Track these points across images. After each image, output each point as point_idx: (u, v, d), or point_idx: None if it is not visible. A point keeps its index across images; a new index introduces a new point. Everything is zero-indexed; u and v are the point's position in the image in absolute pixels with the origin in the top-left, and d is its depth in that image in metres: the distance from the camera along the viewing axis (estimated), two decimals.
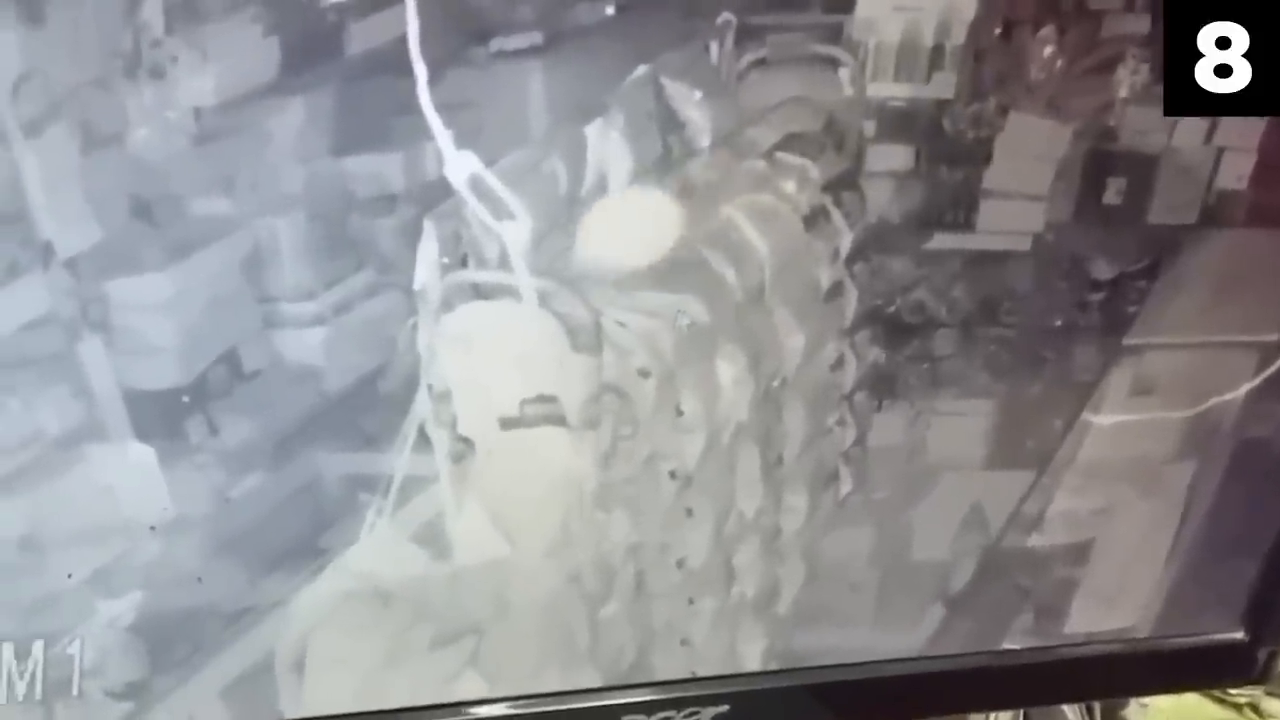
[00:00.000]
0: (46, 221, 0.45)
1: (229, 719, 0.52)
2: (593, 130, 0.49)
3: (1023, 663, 0.61)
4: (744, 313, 0.53)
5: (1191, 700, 0.76)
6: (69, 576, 0.49)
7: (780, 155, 0.51)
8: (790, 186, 0.52)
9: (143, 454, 0.48)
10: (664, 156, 0.50)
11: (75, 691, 0.50)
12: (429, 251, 0.49)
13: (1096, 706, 0.74)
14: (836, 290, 0.53)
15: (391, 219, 0.48)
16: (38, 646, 0.49)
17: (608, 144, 0.49)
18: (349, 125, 0.47)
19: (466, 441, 0.52)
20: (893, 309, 0.54)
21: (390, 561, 0.52)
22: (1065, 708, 0.72)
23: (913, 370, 0.55)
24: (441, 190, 0.49)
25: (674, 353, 0.53)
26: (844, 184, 0.52)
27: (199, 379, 0.48)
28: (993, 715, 0.75)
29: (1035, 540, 0.59)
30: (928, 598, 0.59)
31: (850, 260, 0.53)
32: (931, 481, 0.57)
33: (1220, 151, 0.52)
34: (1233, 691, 0.75)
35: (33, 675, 0.50)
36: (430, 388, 0.50)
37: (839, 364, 0.54)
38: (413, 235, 0.49)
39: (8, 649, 0.49)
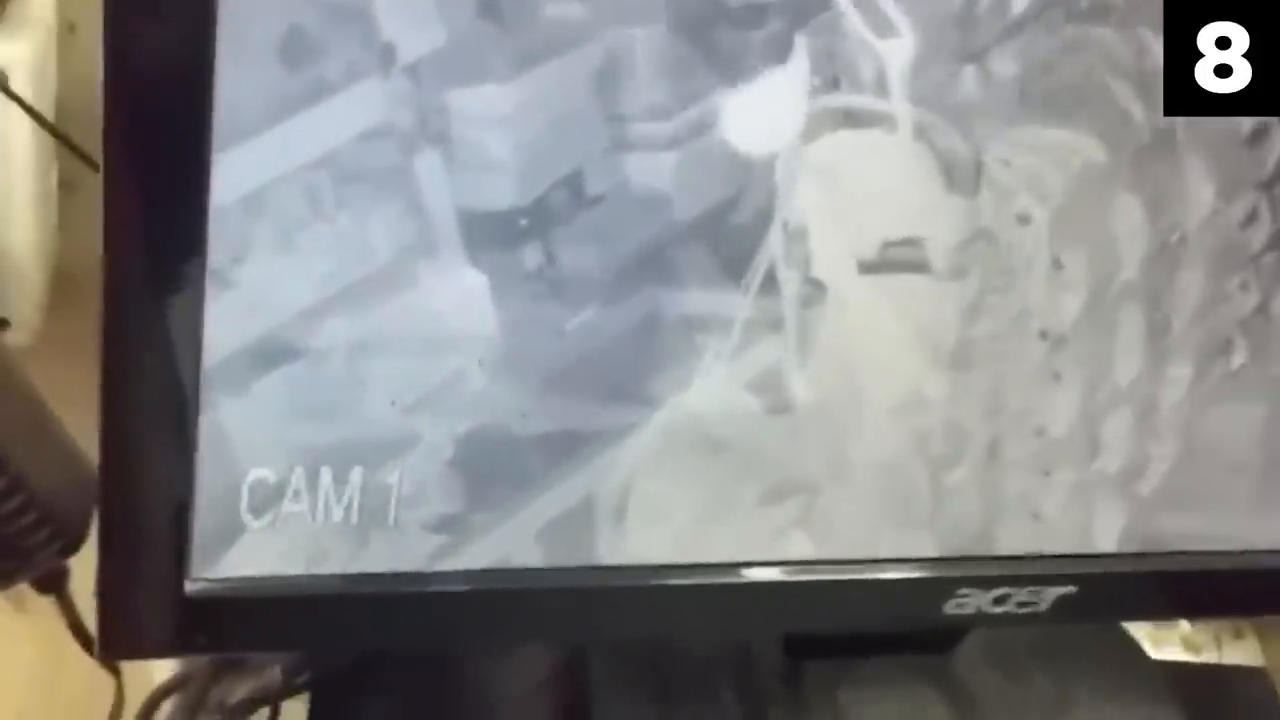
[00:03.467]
0: (389, 20, 0.43)
1: (543, 560, 0.52)
2: None
3: None
4: (1148, 155, 0.48)
5: None
6: (392, 403, 0.49)
7: None
8: None
9: (475, 280, 0.47)
10: None
11: (391, 521, 0.51)
12: (798, 71, 0.46)
13: None
14: (1260, 135, 0.48)
15: (760, 32, 0.45)
16: (356, 472, 0.50)
17: None
18: None
19: (818, 285, 0.49)
20: None
21: (724, 409, 0.51)
22: None
23: None
24: (819, 1, 0.45)
25: (1061, 197, 0.49)
26: None
27: (538, 201, 0.46)
28: None
29: None
30: None
31: None
32: None
33: None
34: None
35: (349, 501, 0.50)
36: (785, 224, 0.48)
37: (1251, 220, 0.50)
38: (782, 52, 0.46)
39: (326, 473, 0.50)
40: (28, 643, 0.72)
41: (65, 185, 0.69)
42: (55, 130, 0.62)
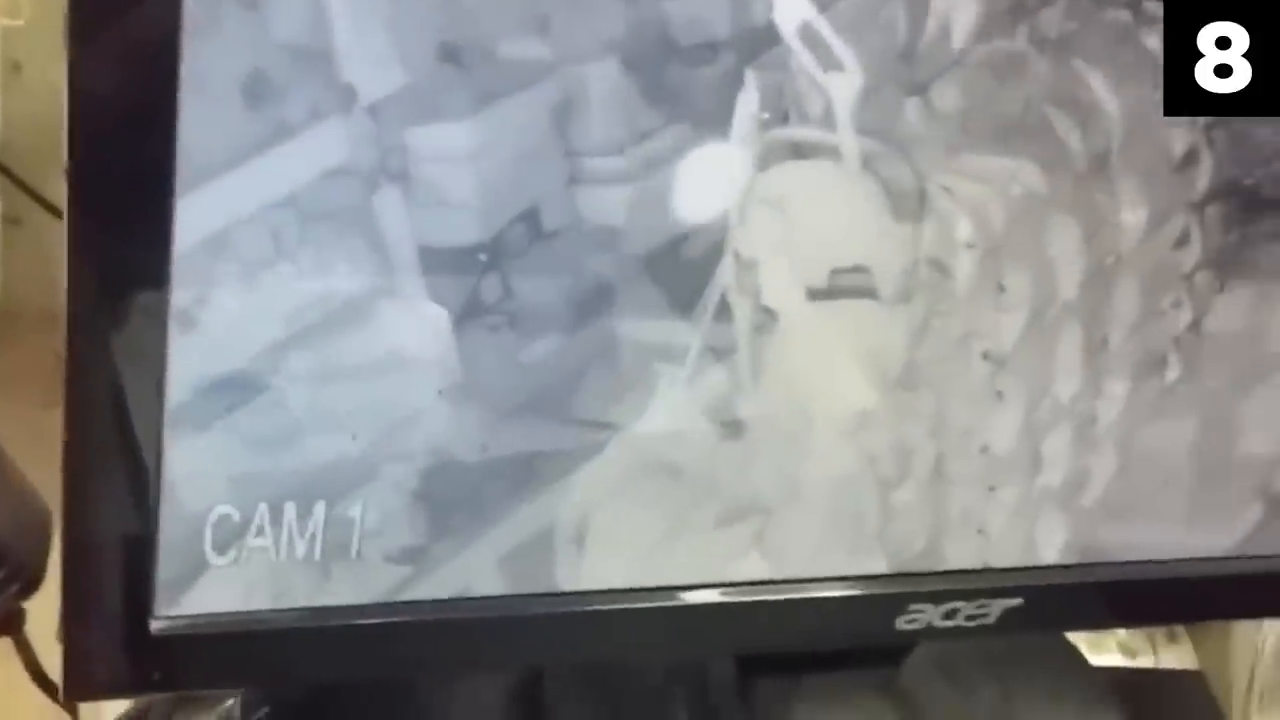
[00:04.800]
0: (351, 63, 0.44)
1: (504, 588, 0.53)
2: None
3: None
4: (1084, 182, 0.50)
5: None
6: (353, 438, 0.49)
7: (1147, 4, 0.48)
8: (1154, 40, 0.49)
9: (435, 314, 0.48)
10: (1017, 4, 0.47)
11: (354, 553, 0.51)
12: (748, 105, 0.47)
13: None
14: (1190, 159, 0.51)
15: (711, 69, 0.47)
16: (319, 507, 0.50)
17: None
18: None
19: (769, 312, 0.50)
20: (1251, 181, 0.51)
21: (680, 435, 0.52)
22: None
23: (1264, 250, 0.52)
24: (767, 38, 0.46)
25: (1003, 223, 0.50)
26: None
27: (497, 236, 0.47)
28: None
29: None
30: (1247, 495, 0.58)
31: (1210, 125, 0.50)
32: (1269, 371, 0.55)
33: None
34: None
35: (313, 535, 0.51)
36: (737, 254, 0.49)
37: (1183, 240, 0.52)
38: (732, 87, 0.47)
39: (289, 508, 0.50)
40: None
41: (9, 221, 0.69)
42: (2, 167, 0.62)
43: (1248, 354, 0.54)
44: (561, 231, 0.48)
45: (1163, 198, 0.51)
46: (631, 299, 0.49)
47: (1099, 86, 0.49)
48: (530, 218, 0.47)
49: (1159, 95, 0.49)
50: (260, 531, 0.50)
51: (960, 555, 0.56)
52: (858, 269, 0.50)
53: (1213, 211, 0.51)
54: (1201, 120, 0.50)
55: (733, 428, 0.52)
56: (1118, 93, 0.49)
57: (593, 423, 0.51)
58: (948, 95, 0.48)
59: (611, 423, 0.51)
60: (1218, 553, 0.58)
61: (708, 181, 0.48)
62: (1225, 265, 0.53)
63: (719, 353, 0.51)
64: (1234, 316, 0.54)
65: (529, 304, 0.49)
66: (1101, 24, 0.48)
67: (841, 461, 0.53)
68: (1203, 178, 0.51)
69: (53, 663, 0.55)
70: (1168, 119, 0.49)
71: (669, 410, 0.51)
